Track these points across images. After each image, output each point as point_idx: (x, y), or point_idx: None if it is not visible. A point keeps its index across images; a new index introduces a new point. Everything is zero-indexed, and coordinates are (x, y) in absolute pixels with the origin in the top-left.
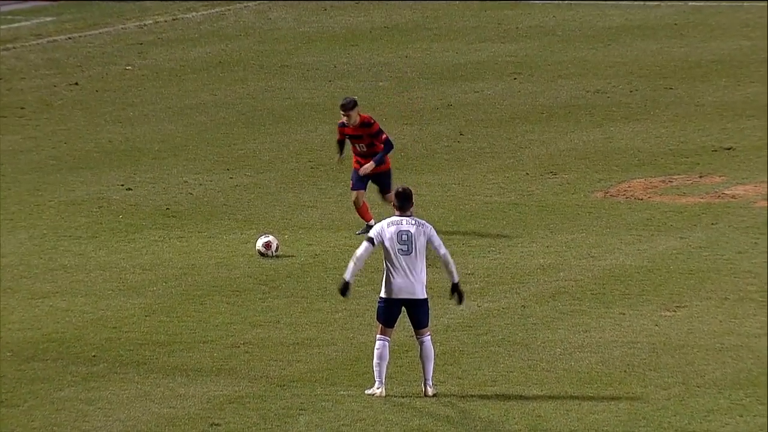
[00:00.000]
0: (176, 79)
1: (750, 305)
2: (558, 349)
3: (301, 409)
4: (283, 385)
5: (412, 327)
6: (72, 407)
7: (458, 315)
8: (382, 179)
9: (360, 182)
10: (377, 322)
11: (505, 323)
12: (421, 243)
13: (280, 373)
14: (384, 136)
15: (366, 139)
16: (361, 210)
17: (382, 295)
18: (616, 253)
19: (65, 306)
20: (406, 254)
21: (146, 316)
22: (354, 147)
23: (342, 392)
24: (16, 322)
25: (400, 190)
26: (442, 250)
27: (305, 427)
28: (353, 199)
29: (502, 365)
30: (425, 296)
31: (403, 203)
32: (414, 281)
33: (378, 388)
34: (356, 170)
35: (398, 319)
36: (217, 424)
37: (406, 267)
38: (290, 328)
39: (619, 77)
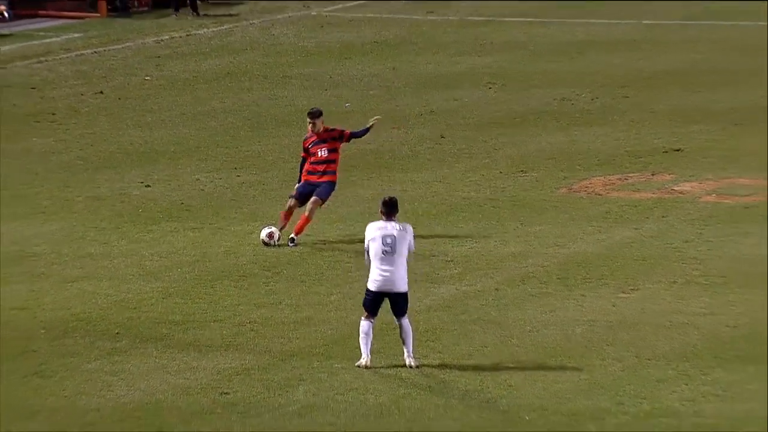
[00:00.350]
0: (189, 88)
1: (695, 288)
2: (527, 327)
3: (300, 380)
4: (284, 359)
5: (392, 312)
6: (98, 378)
7: (439, 297)
8: (324, 188)
9: (302, 196)
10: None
11: (480, 304)
12: (402, 245)
13: (281, 348)
14: (348, 131)
15: (329, 143)
16: (286, 216)
17: (369, 287)
18: (579, 242)
19: (92, 289)
20: (390, 255)
21: (163, 298)
22: (315, 155)
23: (336, 365)
24: (48, 303)
25: (387, 199)
26: (411, 251)
27: (303, 396)
28: (289, 204)
29: (477, 341)
30: (406, 290)
31: (390, 210)
32: (396, 277)
33: (364, 360)
34: (305, 182)
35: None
36: (226, 393)
37: (389, 265)
38: (290, 309)
39: (582, 87)
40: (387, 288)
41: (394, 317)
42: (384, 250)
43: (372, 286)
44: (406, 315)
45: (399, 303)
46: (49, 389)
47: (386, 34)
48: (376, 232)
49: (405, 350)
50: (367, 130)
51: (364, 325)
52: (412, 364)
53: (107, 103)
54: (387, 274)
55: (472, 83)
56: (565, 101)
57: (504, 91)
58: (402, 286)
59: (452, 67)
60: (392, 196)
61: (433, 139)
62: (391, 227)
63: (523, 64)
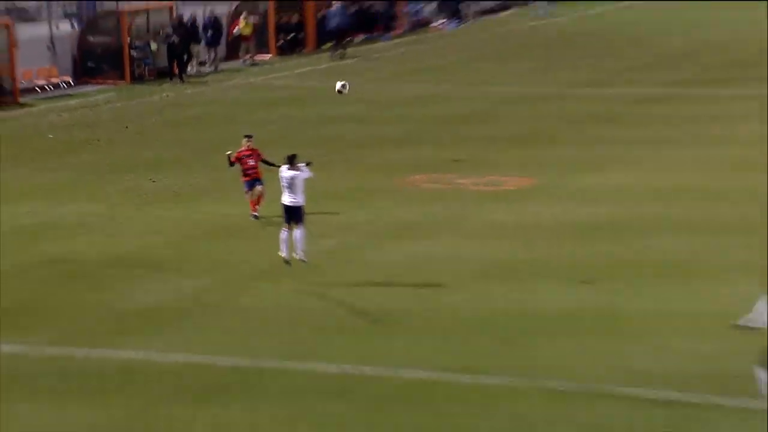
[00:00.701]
0: (176, 126)
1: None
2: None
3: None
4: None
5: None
6: None
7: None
8: (259, 181)
9: (251, 186)
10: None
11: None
12: (300, 180)
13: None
14: (263, 156)
15: (253, 156)
16: (252, 202)
17: (282, 202)
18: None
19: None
20: (292, 185)
21: None
22: (245, 162)
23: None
24: None
25: (290, 155)
26: (305, 176)
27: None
28: (248, 196)
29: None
30: (301, 205)
31: (291, 160)
32: (296, 198)
33: (283, 253)
34: (246, 182)
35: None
36: None
37: (291, 192)
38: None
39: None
40: (290, 203)
41: (295, 226)
42: (288, 184)
43: (282, 202)
44: (303, 225)
45: (297, 214)
46: None
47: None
48: (284, 173)
49: (297, 247)
50: (268, 163)
51: (283, 233)
52: (301, 257)
53: (130, 134)
54: (290, 196)
55: None
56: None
57: None
58: (299, 203)
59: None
60: (292, 154)
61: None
62: (292, 169)
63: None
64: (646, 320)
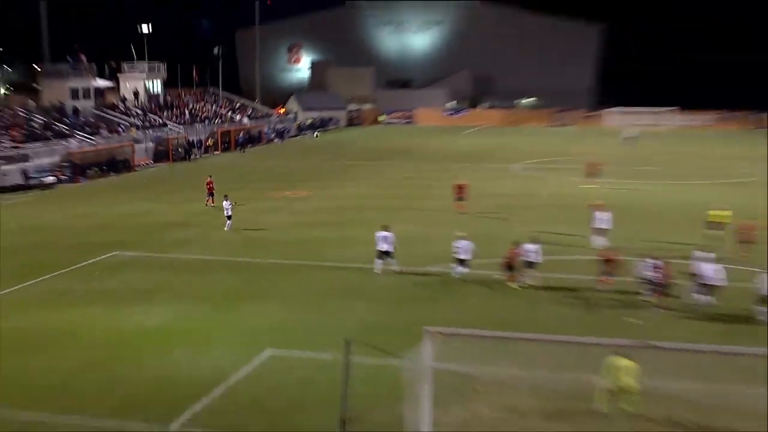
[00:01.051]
0: (227, 173)
1: None
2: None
3: None
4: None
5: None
6: None
7: None
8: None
9: (211, 196)
10: None
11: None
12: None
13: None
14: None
15: (209, 185)
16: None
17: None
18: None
19: None
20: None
21: None
22: (211, 187)
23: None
24: None
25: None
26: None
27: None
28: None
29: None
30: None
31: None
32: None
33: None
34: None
35: None
36: None
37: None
38: None
39: None
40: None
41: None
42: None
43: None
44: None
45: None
46: None
47: None
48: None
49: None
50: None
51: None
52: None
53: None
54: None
55: None
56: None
57: None
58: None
59: None
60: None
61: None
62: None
63: None
64: None
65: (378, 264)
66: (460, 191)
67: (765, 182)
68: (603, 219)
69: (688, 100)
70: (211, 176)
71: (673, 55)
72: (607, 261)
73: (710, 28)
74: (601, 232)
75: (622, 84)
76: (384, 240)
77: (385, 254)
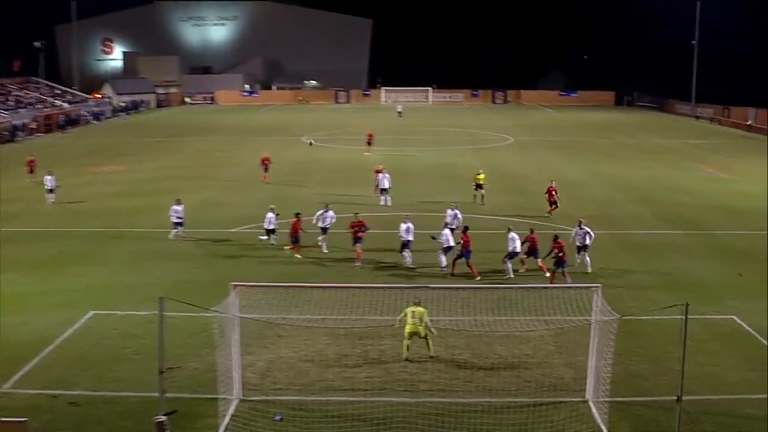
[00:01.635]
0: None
1: None
2: None
3: None
4: None
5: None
6: None
7: None
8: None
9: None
10: None
11: None
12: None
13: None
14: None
15: (30, 163)
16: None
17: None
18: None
19: None
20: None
21: None
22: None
23: None
24: None
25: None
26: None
27: None
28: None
29: None
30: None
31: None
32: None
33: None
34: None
35: None
36: None
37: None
38: None
39: None
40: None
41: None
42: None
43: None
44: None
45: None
46: None
47: None
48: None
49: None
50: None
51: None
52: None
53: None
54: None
55: None
56: None
57: None
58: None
59: None
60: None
61: None
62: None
63: None
64: None
65: (173, 233)
66: (265, 163)
67: (512, 147)
68: (385, 180)
69: (441, 81)
70: (32, 155)
71: (429, 45)
72: (354, 227)
73: (459, 24)
74: (384, 192)
75: (390, 68)
76: (175, 213)
77: (179, 224)
